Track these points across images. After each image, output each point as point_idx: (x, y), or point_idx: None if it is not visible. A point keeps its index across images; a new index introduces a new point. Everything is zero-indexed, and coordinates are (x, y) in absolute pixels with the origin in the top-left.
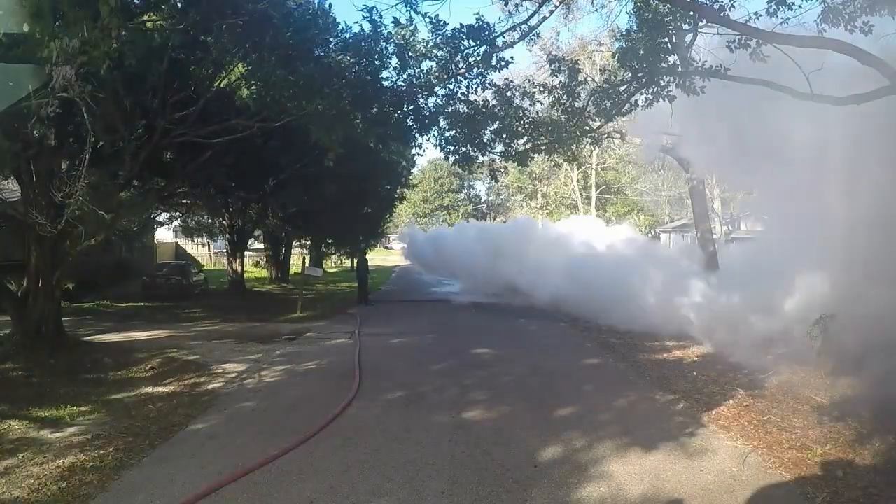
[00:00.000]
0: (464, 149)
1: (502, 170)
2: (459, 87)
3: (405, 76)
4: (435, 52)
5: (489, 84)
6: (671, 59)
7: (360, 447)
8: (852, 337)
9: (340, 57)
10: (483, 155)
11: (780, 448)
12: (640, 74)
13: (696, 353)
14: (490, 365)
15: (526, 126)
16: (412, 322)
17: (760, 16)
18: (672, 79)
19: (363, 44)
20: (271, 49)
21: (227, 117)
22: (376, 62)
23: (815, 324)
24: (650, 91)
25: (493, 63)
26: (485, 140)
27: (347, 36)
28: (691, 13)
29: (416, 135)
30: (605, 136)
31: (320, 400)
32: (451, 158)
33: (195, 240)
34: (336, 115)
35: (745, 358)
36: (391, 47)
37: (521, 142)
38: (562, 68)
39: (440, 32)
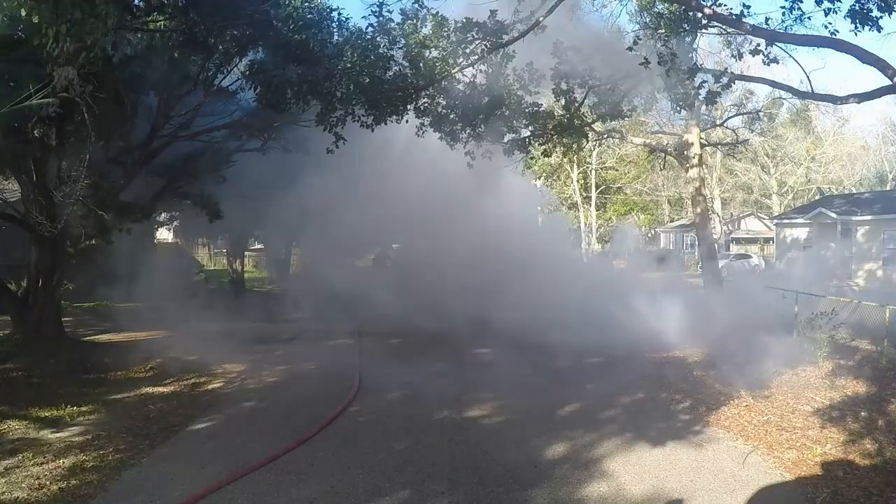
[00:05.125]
0: (454, 128)
1: (489, 156)
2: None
3: (411, 69)
4: (441, 42)
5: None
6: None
7: (360, 447)
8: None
9: (348, 55)
10: (475, 133)
11: (780, 448)
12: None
13: (697, 353)
14: (491, 365)
15: (527, 114)
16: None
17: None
18: (689, 79)
19: (370, 37)
20: (273, 49)
21: (230, 116)
22: (382, 55)
23: (809, 322)
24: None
25: (498, 59)
26: (478, 123)
27: (351, 31)
28: (699, 15)
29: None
30: (605, 136)
31: (320, 400)
32: (439, 134)
33: (195, 240)
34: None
35: (745, 358)
36: (399, 40)
37: (521, 128)
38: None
39: (445, 27)
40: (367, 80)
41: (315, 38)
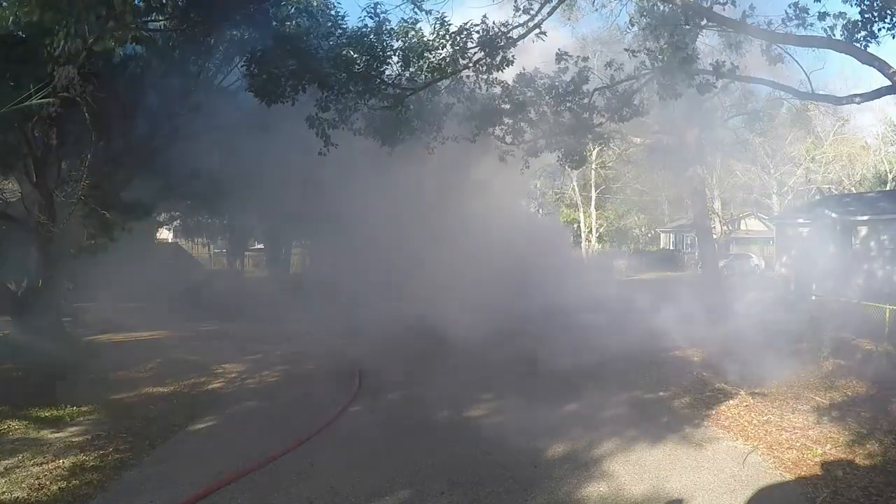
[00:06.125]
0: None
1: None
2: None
3: (408, 73)
4: (438, 49)
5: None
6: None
7: (360, 447)
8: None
9: (345, 52)
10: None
11: (780, 448)
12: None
13: (698, 353)
14: (491, 365)
15: (536, 117)
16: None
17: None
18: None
19: (366, 39)
20: (271, 43)
21: (229, 115)
22: (379, 57)
23: (807, 323)
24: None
25: (497, 63)
26: (498, 125)
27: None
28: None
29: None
30: (606, 137)
31: (320, 400)
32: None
33: (195, 240)
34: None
35: (745, 358)
36: (395, 43)
37: (528, 132)
38: (567, 67)
39: (444, 30)
40: (362, 67)
41: (313, 30)
